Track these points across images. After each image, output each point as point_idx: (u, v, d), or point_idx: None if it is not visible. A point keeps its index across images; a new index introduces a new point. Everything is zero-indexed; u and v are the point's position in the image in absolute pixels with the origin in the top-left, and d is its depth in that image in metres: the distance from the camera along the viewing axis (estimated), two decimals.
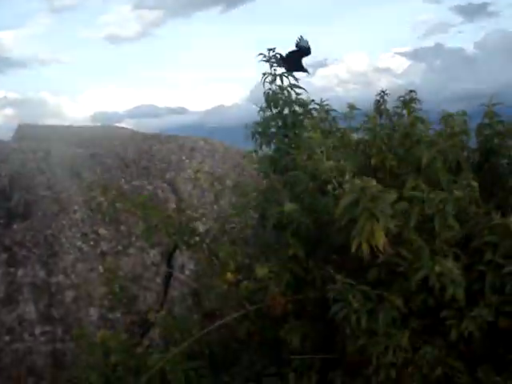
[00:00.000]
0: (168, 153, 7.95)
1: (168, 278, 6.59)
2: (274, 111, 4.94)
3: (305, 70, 4.99)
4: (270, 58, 4.84)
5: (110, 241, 6.67)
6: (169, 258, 6.70)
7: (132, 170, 7.59)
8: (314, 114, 5.07)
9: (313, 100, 5.07)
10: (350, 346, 3.87)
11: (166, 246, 6.57)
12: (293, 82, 4.96)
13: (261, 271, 4.02)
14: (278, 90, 4.93)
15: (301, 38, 4.82)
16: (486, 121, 5.11)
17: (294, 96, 4.97)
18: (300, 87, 4.95)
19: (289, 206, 4.03)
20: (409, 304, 3.91)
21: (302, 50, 4.89)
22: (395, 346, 3.75)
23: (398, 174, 4.61)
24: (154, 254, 6.63)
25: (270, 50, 4.84)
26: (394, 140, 4.74)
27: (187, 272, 6.53)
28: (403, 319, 3.93)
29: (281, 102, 4.90)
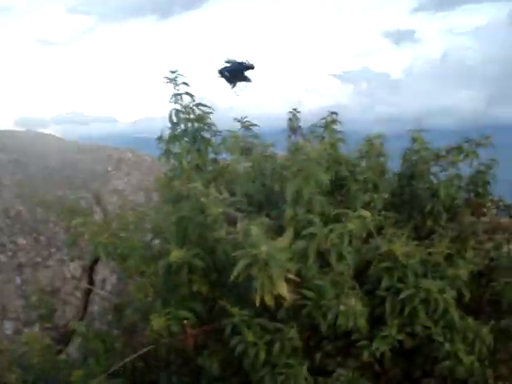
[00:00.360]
0: (93, 163, 7.80)
1: (88, 292, 6.44)
2: (178, 129, 4.90)
3: (248, 80, 5.12)
4: (173, 78, 4.83)
5: (28, 252, 6.46)
6: (90, 271, 6.55)
7: (55, 178, 7.40)
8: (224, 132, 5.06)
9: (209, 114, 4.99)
10: (253, 377, 3.85)
11: (87, 259, 6.42)
12: (198, 101, 4.93)
13: (156, 322, 3.84)
14: (183, 109, 4.90)
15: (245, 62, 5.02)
16: (415, 146, 5.26)
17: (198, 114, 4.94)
18: (205, 105, 4.93)
19: (175, 255, 3.85)
20: (318, 331, 3.95)
21: (248, 66, 5.03)
22: (295, 377, 3.74)
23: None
24: (74, 267, 6.48)
25: (172, 72, 4.84)
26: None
27: (109, 286, 6.40)
28: (308, 348, 3.99)
29: (184, 120, 4.89)
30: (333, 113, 5.41)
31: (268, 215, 4.26)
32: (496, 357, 4.39)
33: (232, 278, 3.45)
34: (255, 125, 5.25)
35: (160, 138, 4.93)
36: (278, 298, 3.54)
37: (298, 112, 5.54)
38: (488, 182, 5.31)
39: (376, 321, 4.05)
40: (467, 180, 5.36)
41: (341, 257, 3.84)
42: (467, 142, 5.26)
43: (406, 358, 4.27)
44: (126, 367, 4.46)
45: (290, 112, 5.54)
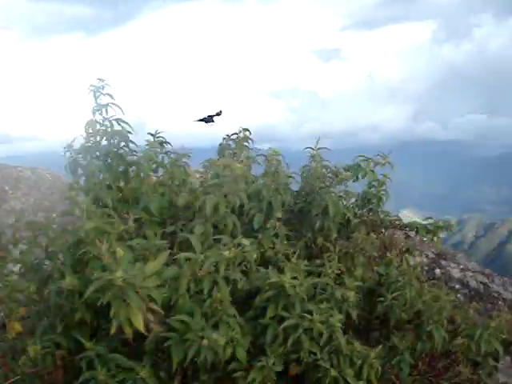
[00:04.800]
0: None
1: None
2: (92, 141, 4.65)
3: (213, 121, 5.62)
4: (99, 88, 4.66)
5: None
6: None
7: None
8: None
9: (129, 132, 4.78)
10: None
11: None
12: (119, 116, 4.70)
13: (33, 349, 3.66)
14: (101, 121, 4.67)
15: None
16: (313, 164, 5.22)
17: (115, 128, 4.69)
18: (125, 122, 4.70)
19: (69, 282, 3.66)
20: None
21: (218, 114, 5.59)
22: None
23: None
24: None
25: (99, 79, 4.68)
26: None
27: None
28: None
29: (100, 132, 4.65)
30: (245, 129, 5.36)
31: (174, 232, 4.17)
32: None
33: (85, 296, 3.27)
34: (167, 142, 4.99)
35: (68, 147, 4.64)
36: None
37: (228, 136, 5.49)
38: (380, 199, 5.34)
39: (260, 349, 3.93)
40: (361, 196, 5.38)
41: (216, 284, 3.69)
42: (366, 160, 5.28)
43: None
44: None
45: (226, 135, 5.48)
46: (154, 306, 3.35)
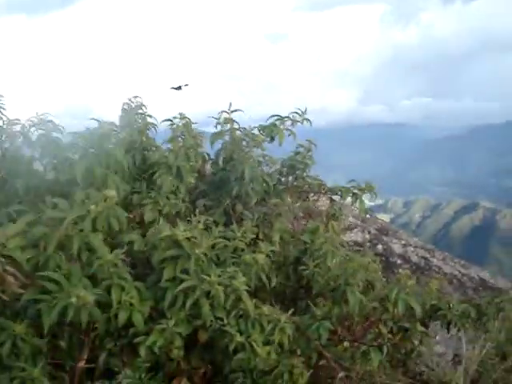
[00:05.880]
0: None
1: None
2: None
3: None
4: None
5: None
6: None
7: None
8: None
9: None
10: None
11: None
12: None
13: None
14: None
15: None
16: (223, 128, 4.94)
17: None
18: None
19: None
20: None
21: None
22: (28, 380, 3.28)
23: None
24: None
25: None
26: None
27: None
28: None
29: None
30: (135, 96, 5.09)
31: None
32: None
33: None
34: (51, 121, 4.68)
35: None
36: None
37: None
38: (306, 165, 5.12)
39: (162, 315, 3.66)
40: (286, 162, 5.16)
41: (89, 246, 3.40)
42: (280, 119, 5.03)
43: (209, 353, 3.94)
44: None
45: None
46: (10, 268, 3.08)
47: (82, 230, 3.33)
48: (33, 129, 4.43)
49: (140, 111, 4.95)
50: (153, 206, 4.28)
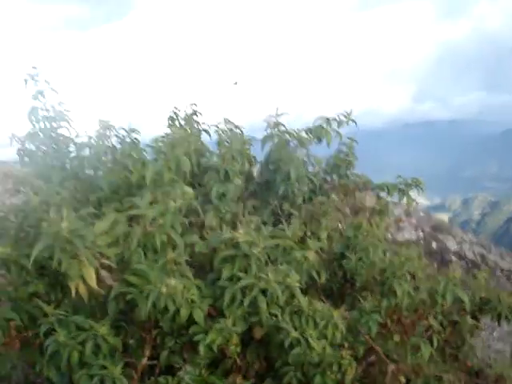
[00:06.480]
0: None
1: None
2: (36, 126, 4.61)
3: None
4: (33, 76, 4.57)
5: None
6: None
7: None
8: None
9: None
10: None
11: None
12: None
13: None
14: (42, 106, 4.63)
15: None
16: (273, 131, 5.06)
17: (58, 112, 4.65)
18: (64, 103, 4.66)
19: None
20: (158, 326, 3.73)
21: None
22: (110, 378, 3.44)
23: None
24: None
25: (34, 67, 4.62)
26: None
27: None
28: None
29: (42, 117, 4.62)
30: (193, 104, 5.23)
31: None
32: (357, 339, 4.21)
33: (31, 261, 3.17)
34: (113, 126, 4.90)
35: (13, 136, 4.63)
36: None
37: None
38: (350, 163, 5.20)
39: (221, 313, 3.80)
40: (330, 161, 5.26)
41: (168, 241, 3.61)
42: (326, 120, 5.12)
43: (263, 349, 4.07)
44: None
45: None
46: (107, 261, 3.30)
47: (161, 226, 3.54)
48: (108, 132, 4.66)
49: (196, 118, 5.11)
50: (214, 213, 4.43)
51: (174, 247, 3.73)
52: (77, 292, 3.32)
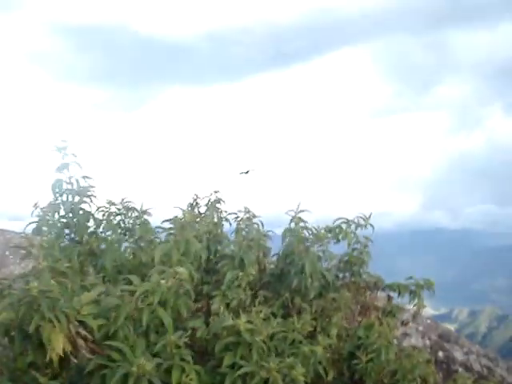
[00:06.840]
0: None
1: None
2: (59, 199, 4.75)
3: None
4: (62, 148, 4.74)
5: None
6: None
7: None
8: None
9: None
10: None
11: None
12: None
13: None
14: (67, 179, 4.77)
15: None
16: (293, 226, 5.19)
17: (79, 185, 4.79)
18: (89, 177, 4.81)
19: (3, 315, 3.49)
20: None
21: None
22: None
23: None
24: None
25: (63, 140, 4.75)
26: None
27: None
28: None
29: (64, 189, 4.75)
30: (216, 191, 5.39)
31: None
32: None
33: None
34: (135, 208, 5.04)
35: (35, 205, 4.70)
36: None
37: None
38: (363, 262, 5.28)
39: None
40: (344, 258, 5.33)
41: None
42: (346, 222, 5.27)
43: None
44: None
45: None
46: (82, 331, 3.27)
47: (151, 304, 3.55)
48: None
49: (218, 205, 5.26)
50: (221, 299, 4.47)
51: (177, 329, 3.74)
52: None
